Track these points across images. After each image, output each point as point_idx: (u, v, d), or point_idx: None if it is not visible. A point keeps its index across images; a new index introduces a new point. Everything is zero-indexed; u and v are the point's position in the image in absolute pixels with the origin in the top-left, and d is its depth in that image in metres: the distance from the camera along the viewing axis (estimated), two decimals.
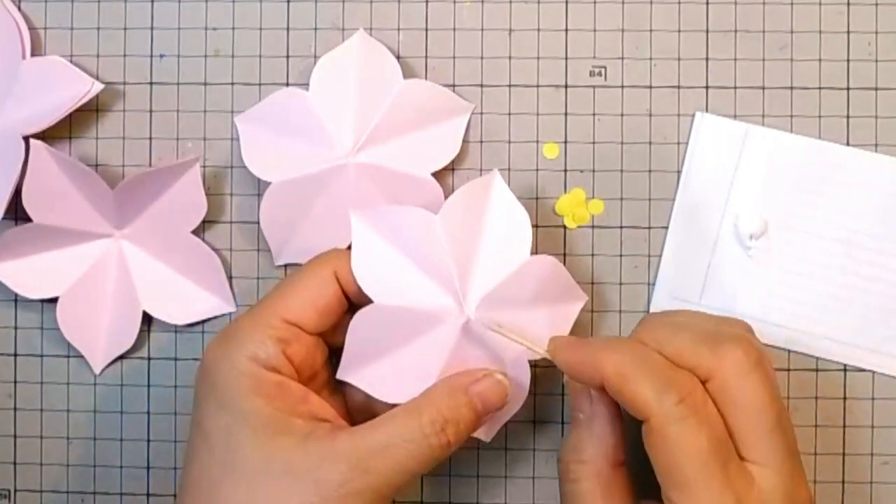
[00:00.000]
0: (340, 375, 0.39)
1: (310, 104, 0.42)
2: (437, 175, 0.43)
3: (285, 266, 0.44)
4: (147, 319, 0.44)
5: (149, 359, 0.44)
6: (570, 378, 0.37)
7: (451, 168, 0.43)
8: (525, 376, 0.40)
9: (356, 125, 0.42)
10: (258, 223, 0.43)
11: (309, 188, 0.42)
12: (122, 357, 0.44)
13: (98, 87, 0.43)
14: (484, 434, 0.40)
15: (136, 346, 0.44)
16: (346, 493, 0.35)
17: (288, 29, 0.44)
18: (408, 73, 0.43)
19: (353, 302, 0.39)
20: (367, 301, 0.38)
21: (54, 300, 0.43)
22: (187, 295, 0.44)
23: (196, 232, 0.43)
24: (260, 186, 0.43)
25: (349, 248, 0.39)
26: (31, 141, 0.41)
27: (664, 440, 0.34)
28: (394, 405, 0.37)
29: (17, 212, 0.43)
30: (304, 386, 0.37)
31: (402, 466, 0.35)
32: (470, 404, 0.37)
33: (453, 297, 0.39)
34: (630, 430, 0.37)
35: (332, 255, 0.39)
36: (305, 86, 0.43)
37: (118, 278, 0.43)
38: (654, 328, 0.37)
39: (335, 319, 0.39)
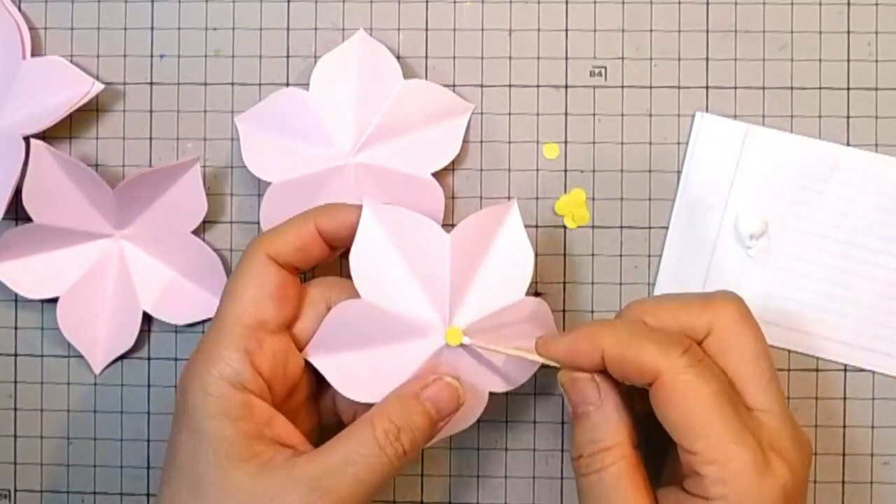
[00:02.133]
0: (306, 354, 0.38)
1: (310, 104, 0.42)
2: (438, 175, 0.43)
3: None
4: (147, 319, 0.44)
5: (149, 359, 0.44)
6: (569, 368, 0.37)
7: (451, 168, 0.43)
8: (484, 397, 0.39)
9: (356, 125, 0.42)
10: (258, 223, 0.43)
11: (309, 188, 0.42)
12: (122, 357, 0.44)
13: (98, 87, 0.43)
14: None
15: (136, 346, 0.44)
16: None
17: (288, 29, 0.44)
18: (408, 73, 0.43)
19: (302, 269, 0.39)
20: (316, 260, 0.38)
21: (54, 300, 0.43)
22: (187, 295, 0.44)
23: (196, 232, 0.43)
24: (260, 186, 0.43)
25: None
26: (32, 141, 0.41)
27: (676, 392, 0.34)
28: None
29: (17, 212, 0.43)
30: (271, 407, 0.37)
31: (360, 482, 0.35)
32: (422, 411, 0.37)
33: (440, 317, 0.38)
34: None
35: (261, 240, 0.38)
36: (305, 86, 0.43)
37: (118, 278, 0.43)
38: (635, 305, 0.37)
39: (293, 302, 0.38)
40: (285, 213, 0.42)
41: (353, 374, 0.38)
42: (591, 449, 0.36)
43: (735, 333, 0.36)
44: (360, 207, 0.38)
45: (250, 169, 0.42)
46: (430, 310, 0.38)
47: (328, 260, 0.40)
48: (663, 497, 0.35)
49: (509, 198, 0.44)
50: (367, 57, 0.42)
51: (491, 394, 0.39)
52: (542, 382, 0.43)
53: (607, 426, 0.36)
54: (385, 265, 0.38)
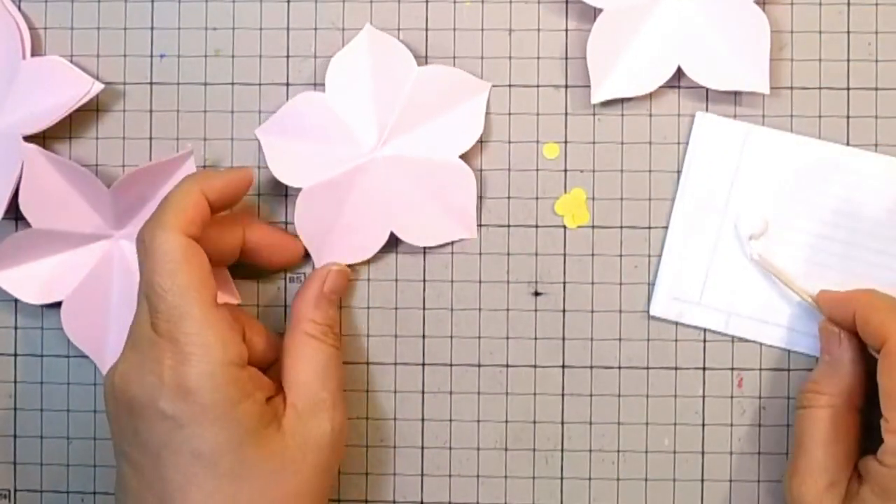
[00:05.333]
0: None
1: (328, 105, 0.42)
2: (465, 156, 0.43)
3: (285, 273, 0.44)
4: None
5: None
6: (827, 318, 0.41)
7: (478, 148, 0.43)
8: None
9: (378, 119, 0.42)
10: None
11: (340, 188, 0.42)
12: None
13: (98, 87, 0.43)
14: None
15: None
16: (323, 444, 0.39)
17: (288, 29, 0.44)
18: None
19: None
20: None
21: (57, 303, 0.43)
22: None
23: None
24: (260, 186, 0.43)
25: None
26: (25, 145, 0.41)
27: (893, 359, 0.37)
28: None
29: (17, 212, 0.43)
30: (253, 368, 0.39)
31: (327, 375, 0.39)
32: (332, 301, 0.41)
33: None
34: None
35: (171, 224, 0.37)
36: (308, 86, 0.43)
37: (121, 279, 0.43)
38: None
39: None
40: (320, 216, 0.42)
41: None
42: (808, 387, 0.40)
43: None
44: (228, 172, 0.41)
45: (279, 178, 0.42)
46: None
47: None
48: (862, 464, 0.39)
49: (510, 198, 0.44)
50: (378, 50, 0.42)
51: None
52: (542, 383, 0.43)
53: (830, 376, 0.40)
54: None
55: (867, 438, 0.39)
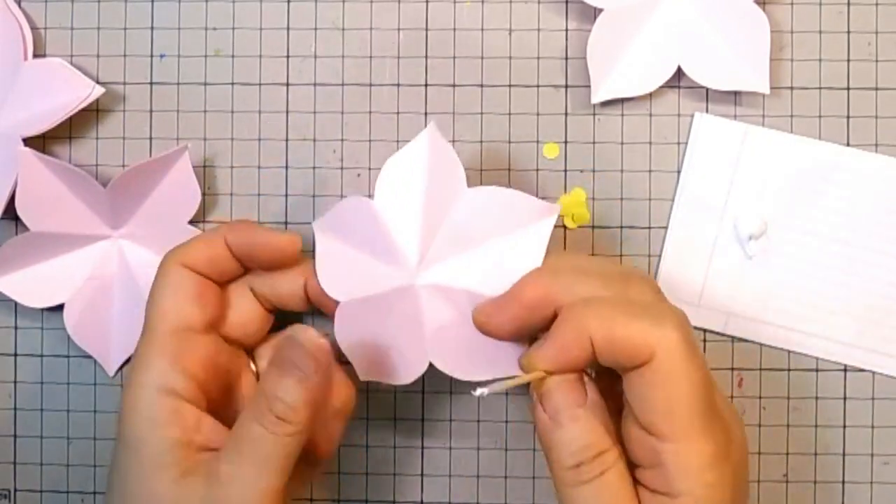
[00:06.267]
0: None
1: (376, 213, 0.38)
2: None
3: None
4: None
5: None
6: (560, 373, 0.35)
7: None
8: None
9: (422, 238, 0.38)
10: (258, 223, 0.43)
11: (378, 309, 0.39)
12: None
13: (99, 90, 0.43)
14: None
15: None
16: None
17: (288, 29, 0.44)
18: (405, 74, 0.43)
19: (216, 281, 0.39)
20: (228, 275, 0.39)
21: (57, 305, 0.43)
22: None
23: (195, 223, 0.43)
24: (260, 186, 0.43)
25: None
26: (19, 148, 0.41)
27: (669, 375, 0.32)
28: None
29: (17, 212, 0.43)
30: (200, 411, 0.37)
31: (267, 471, 0.34)
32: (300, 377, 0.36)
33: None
34: None
35: (174, 251, 0.39)
36: (308, 85, 0.43)
37: (122, 279, 0.43)
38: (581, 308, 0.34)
39: (214, 303, 0.39)
40: (359, 332, 0.39)
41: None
42: (589, 453, 0.34)
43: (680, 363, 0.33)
44: (270, 232, 0.39)
45: (322, 284, 0.39)
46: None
47: (239, 275, 0.40)
48: None
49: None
50: (435, 157, 0.38)
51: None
52: None
53: (601, 427, 0.34)
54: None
55: None
